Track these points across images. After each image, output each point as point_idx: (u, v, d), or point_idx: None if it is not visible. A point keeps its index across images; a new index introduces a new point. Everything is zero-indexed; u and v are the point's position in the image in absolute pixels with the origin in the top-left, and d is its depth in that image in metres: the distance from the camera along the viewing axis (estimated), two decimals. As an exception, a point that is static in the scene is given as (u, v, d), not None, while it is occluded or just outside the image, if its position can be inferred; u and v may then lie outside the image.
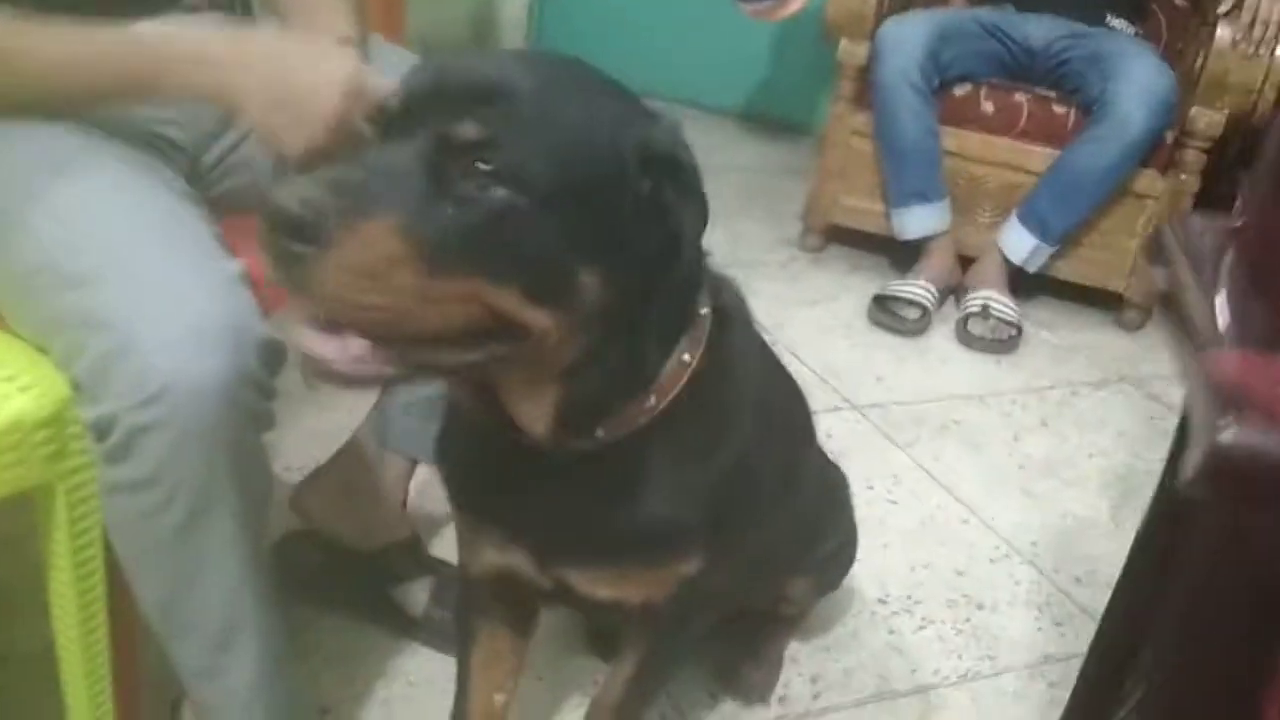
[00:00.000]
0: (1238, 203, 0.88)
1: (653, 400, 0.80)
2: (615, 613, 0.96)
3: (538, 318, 0.70)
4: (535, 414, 0.78)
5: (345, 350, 0.68)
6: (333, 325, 0.67)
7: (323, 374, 0.68)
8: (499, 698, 1.05)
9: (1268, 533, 0.59)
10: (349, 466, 1.32)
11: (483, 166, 0.66)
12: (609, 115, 0.72)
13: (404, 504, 1.33)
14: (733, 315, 0.88)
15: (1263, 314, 0.80)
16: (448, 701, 1.07)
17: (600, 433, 0.80)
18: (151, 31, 0.99)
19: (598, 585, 0.90)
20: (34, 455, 0.87)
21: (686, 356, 0.81)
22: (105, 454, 0.87)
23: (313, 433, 1.69)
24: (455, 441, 0.94)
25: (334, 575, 1.34)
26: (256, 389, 0.89)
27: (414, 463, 1.30)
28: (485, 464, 0.88)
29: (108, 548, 0.94)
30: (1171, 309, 0.79)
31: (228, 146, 1.14)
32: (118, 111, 1.00)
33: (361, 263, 0.64)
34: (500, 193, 0.66)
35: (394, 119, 0.71)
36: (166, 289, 0.88)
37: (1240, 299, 0.78)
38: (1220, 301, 0.77)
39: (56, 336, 0.90)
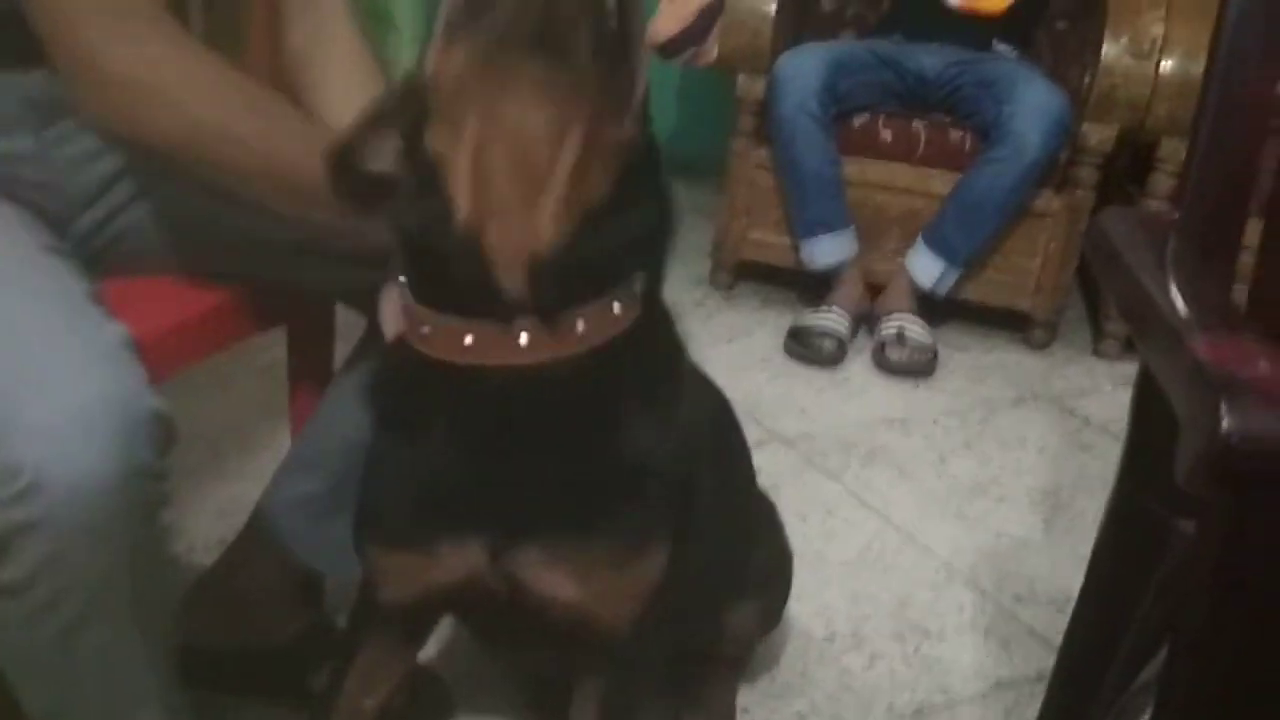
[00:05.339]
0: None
1: (617, 309, 0.79)
2: (570, 638, 0.90)
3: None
4: (527, 237, 0.74)
5: None
6: None
7: None
8: (369, 701, 0.99)
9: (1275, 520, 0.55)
10: (235, 573, 1.19)
11: None
12: None
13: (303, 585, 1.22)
14: (662, 307, 0.88)
15: (1215, 294, 0.78)
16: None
17: (580, 326, 0.77)
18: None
19: (557, 578, 0.84)
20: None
21: (618, 307, 0.79)
22: None
23: (218, 508, 1.58)
24: (398, 444, 0.86)
25: (248, 666, 1.22)
26: (149, 477, 0.78)
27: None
28: (442, 429, 0.81)
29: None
30: (1127, 302, 0.76)
31: (103, 216, 1.03)
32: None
33: None
34: None
35: None
36: (36, 363, 0.76)
37: (1190, 282, 0.75)
38: (1173, 289, 0.74)
39: None
